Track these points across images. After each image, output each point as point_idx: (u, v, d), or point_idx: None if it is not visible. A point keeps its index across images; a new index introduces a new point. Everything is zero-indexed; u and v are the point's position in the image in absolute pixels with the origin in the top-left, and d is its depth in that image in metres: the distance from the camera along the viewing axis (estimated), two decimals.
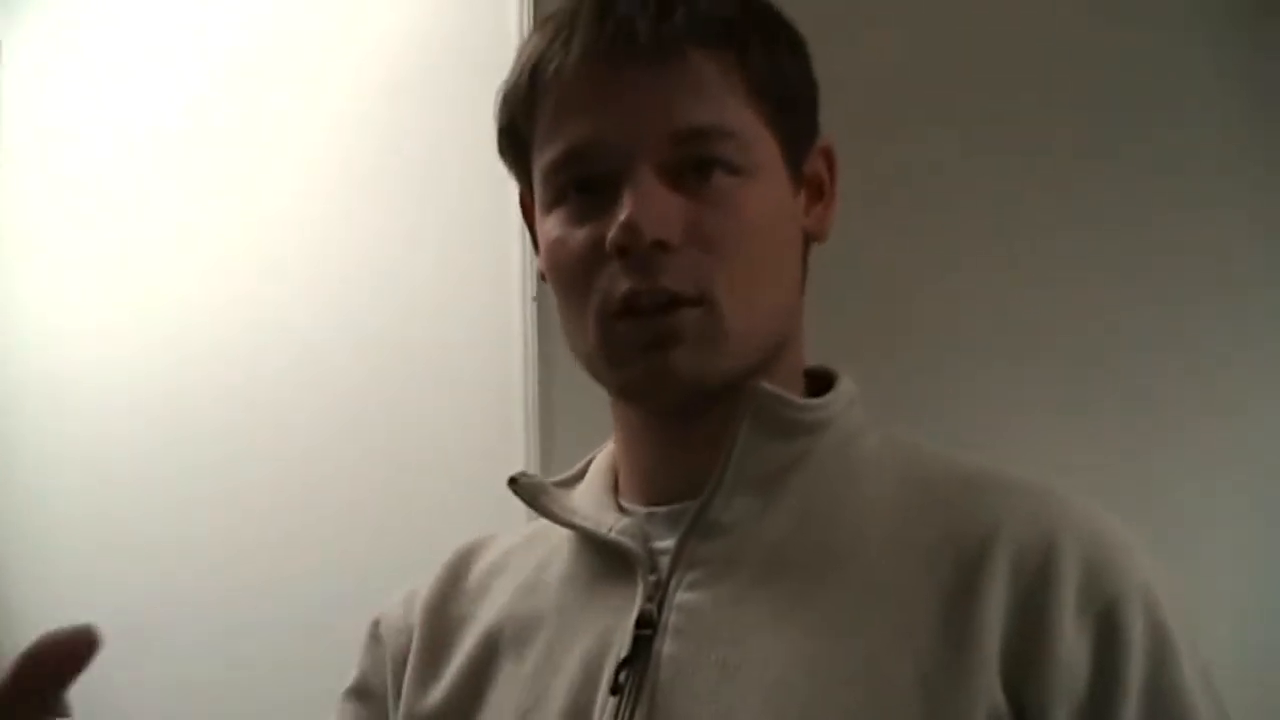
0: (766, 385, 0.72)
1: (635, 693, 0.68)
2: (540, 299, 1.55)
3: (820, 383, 0.79)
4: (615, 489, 0.80)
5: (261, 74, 1.95)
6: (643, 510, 0.76)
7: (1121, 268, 1.37)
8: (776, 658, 0.66)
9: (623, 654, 0.69)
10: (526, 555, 0.83)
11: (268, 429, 1.87)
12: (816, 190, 0.78)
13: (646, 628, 0.70)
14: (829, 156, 0.79)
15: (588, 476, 0.83)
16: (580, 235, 0.71)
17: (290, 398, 1.85)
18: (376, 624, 0.87)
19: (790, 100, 0.74)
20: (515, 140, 0.77)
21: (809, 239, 0.78)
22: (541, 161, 0.74)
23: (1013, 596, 0.65)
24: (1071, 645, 0.64)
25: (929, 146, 1.41)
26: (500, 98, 0.77)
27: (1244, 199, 1.35)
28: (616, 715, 0.68)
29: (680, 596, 0.70)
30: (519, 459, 1.54)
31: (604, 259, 0.70)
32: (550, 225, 0.74)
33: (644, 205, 0.68)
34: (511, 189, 0.81)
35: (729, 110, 0.70)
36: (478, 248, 1.67)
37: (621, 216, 0.68)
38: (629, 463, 0.79)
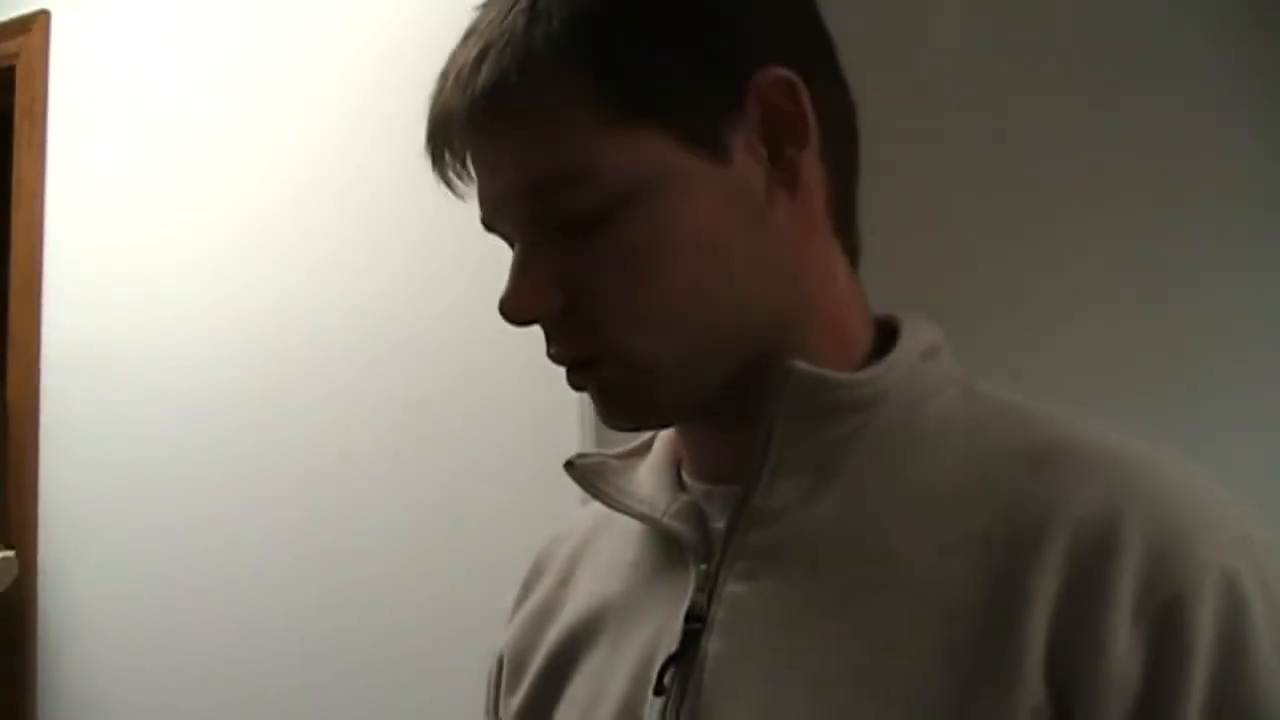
0: (802, 365, 0.65)
1: (680, 693, 0.65)
2: None
3: (890, 336, 0.71)
4: (680, 462, 0.76)
5: (310, 68, 1.93)
6: (702, 488, 0.73)
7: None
8: (819, 661, 0.62)
9: (670, 650, 0.67)
10: (608, 534, 0.80)
11: (312, 417, 1.86)
12: (786, 129, 0.66)
13: (696, 621, 0.66)
14: (786, 87, 0.66)
15: (654, 448, 0.78)
16: None
17: (340, 377, 1.84)
18: (500, 661, 0.84)
19: (666, 80, 0.64)
20: None
21: (785, 186, 0.67)
22: None
23: (1064, 589, 0.57)
24: (1124, 649, 0.56)
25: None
26: None
27: None
28: (663, 716, 0.65)
29: (728, 588, 0.66)
30: (573, 438, 1.52)
31: None
32: None
33: (513, 287, 0.66)
34: None
35: (567, 147, 0.63)
36: None
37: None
38: (684, 440, 0.75)
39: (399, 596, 1.75)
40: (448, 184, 0.70)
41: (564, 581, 0.80)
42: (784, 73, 0.65)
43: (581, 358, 0.67)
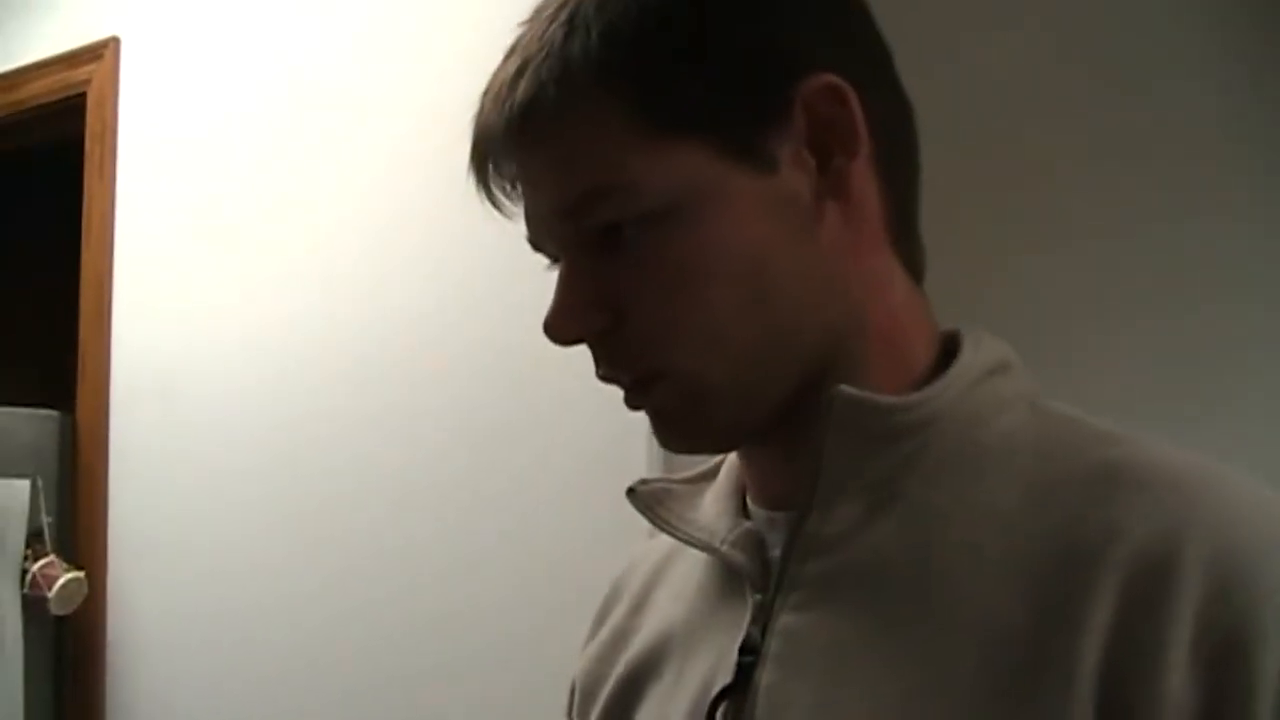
0: (846, 390, 0.62)
1: None
2: None
3: (954, 353, 0.68)
4: (745, 488, 0.74)
5: (376, 90, 1.94)
6: (764, 515, 0.70)
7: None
8: (868, 694, 0.60)
9: (724, 683, 0.65)
10: (680, 561, 0.78)
11: (377, 436, 1.87)
12: (835, 137, 0.64)
13: (750, 654, 0.65)
14: (833, 94, 0.63)
15: (720, 473, 0.76)
16: None
17: (403, 403, 1.84)
18: (572, 690, 0.83)
19: (707, 92, 0.62)
20: None
21: (834, 197, 0.64)
22: None
23: (1117, 619, 0.54)
24: (1179, 687, 0.52)
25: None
26: None
27: None
28: None
29: (783, 620, 0.64)
30: (640, 462, 1.52)
31: None
32: None
33: (556, 306, 0.65)
34: None
35: (606, 161, 0.62)
36: None
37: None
38: (745, 464, 0.73)
39: (463, 622, 1.74)
40: (494, 204, 0.69)
41: (637, 608, 0.79)
42: (831, 79, 0.63)
43: (632, 379, 0.65)
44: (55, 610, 2.10)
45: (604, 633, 0.81)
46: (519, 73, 0.63)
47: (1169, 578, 0.54)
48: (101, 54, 2.28)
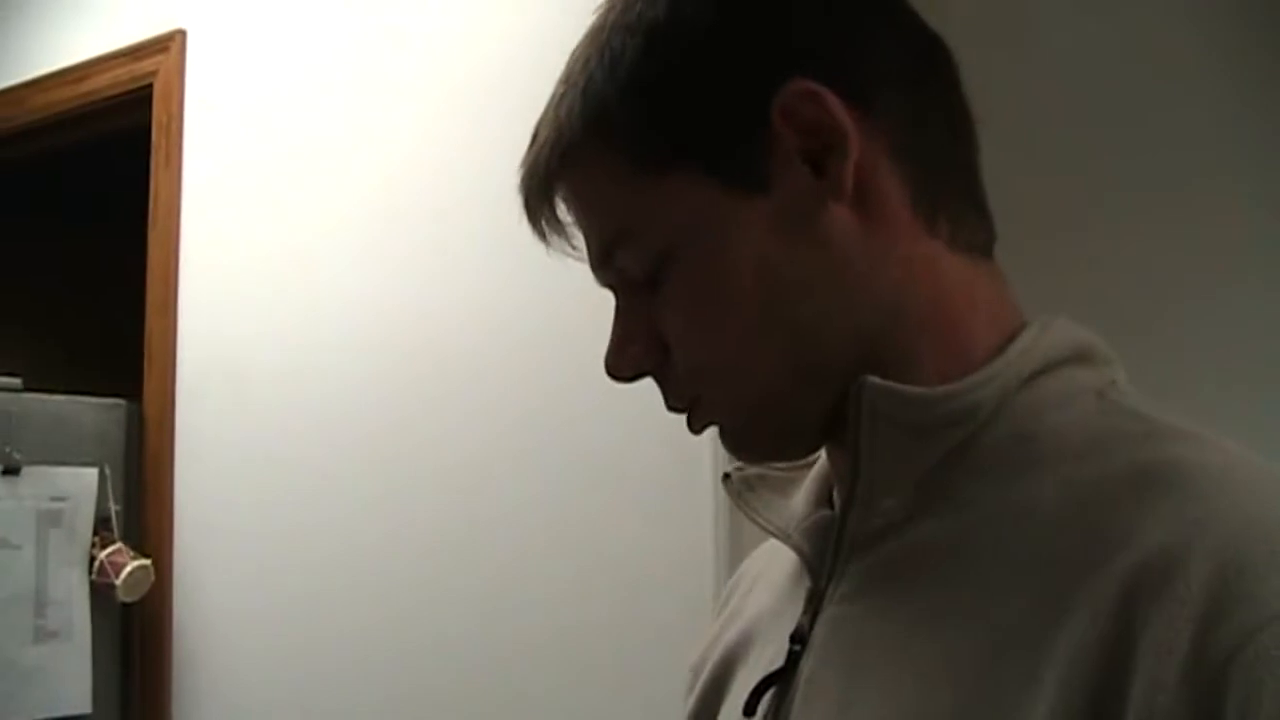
0: (873, 380, 0.61)
1: (773, 715, 0.65)
2: None
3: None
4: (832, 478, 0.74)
5: (439, 80, 1.93)
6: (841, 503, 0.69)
7: None
8: (889, 694, 0.59)
9: (771, 669, 0.66)
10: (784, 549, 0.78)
11: (442, 425, 1.87)
12: (824, 140, 0.62)
13: (799, 643, 0.65)
14: (808, 98, 0.61)
15: (817, 463, 0.75)
16: None
17: (475, 386, 1.84)
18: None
19: (684, 129, 0.63)
20: None
21: (838, 198, 0.62)
22: None
23: (1112, 631, 0.50)
24: (1166, 705, 0.47)
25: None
26: None
27: None
28: None
29: (829, 610, 0.64)
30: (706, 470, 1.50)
31: None
32: None
33: (611, 344, 0.69)
34: None
35: (607, 212, 0.66)
36: None
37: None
38: (827, 458, 0.72)
39: (527, 600, 1.74)
40: (559, 246, 0.72)
41: (748, 594, 0.81)
42: (803, 85, 0.62)
43: (685, 402, 0.68)
44: (122, 597, 2.12)
45: (722, 616, 0.83)
46: (533, 137, 0.68)
47: (1168, 589, 0.49)
48: (168, 46, 2.30)
